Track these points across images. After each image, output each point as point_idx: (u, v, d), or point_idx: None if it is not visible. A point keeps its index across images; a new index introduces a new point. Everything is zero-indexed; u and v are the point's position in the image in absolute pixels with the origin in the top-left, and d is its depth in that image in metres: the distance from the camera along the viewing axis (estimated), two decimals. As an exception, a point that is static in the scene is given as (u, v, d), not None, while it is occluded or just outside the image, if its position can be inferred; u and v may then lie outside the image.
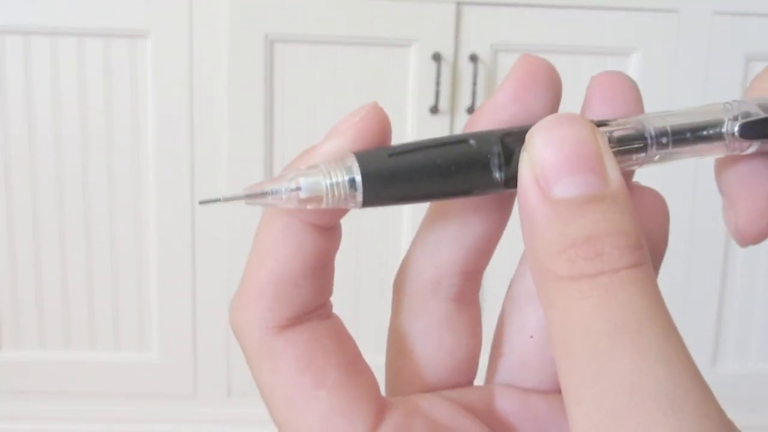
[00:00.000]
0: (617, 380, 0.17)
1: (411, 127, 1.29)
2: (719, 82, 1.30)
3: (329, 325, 0.21)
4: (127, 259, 1.33)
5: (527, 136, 0.19)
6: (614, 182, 0.19)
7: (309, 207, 0.20)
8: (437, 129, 1.27)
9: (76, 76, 1.26)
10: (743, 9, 1.29)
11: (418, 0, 1.26)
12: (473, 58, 1.27)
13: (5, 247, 1.31)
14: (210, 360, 1.37)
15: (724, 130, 0.21)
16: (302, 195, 0.19)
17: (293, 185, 0.19)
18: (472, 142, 0.20)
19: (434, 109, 1.28)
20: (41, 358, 1.36)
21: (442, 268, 0.23)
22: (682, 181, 1.30)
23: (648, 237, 0.19)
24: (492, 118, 0.21)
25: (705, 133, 0.21)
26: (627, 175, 0.22)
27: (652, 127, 0.21)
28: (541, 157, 0.19)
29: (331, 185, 0.19)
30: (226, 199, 0.20)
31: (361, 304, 1.32)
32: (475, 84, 1.27)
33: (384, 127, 0.20)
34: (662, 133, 0.21)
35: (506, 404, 0.23)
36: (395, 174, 0.19)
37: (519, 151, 0.20)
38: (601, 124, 0.20)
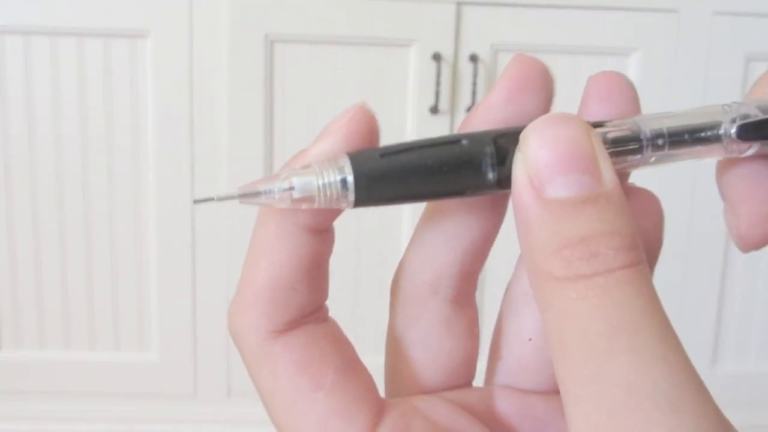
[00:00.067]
0: (615, 380, 0.17)
1: (411, 127, 1.29)
2: (719, 83, 1.30)
3: (326, 329, 0.22)
4: (127, 259, 1.33)
5: (521, 137, 0.19)
6: (608, 182, 0.19)
7: (302, 207, 0.20)
8: (437, 129, 1.27)
9: (76, 76, 1.26)
10: (743, 9, 1.29)
11: (418, 0, 1.26)
12: (473, 58, 1.27)
13: (5, 247, 1.31)
14: (210, 360, 1.37)
15: (722, 131, 0.21)
16: (295, 194, 0.20)
17: (286, 185, 0.20)
18: (464, 142, 0.20)
19: (434, 109, 1.28)
20: (41, 358, 1.36)
21: (440, 269, 0.23)
22: (681, 182, 1.31)
23: (643, 237, 0.19)
24: (486, 118, 0.21)
25: (702, 134, 0.21)
26: (622, 177, 0.22)
27: (647, 128, 0.21)
28: (534, 158, 0.19)
29: (324, 185, 0.19)
30: (220, 199, 0.20)
31: (361, 305, 1.32)
32: (475, 84, 1.27)
33: (372, 128, 0.21)
34: (658, 135, 0.21)
35: (505, 405, 0.23)
36: (387, 174, 0.20)
37: (513, 152, 0.20)
38: (597, 125, 0.20)
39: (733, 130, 0.21)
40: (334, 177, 0.19)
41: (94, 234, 1.32)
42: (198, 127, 1.29)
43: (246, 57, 1.26)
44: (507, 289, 0.24)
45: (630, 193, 0.19)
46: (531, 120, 0.19)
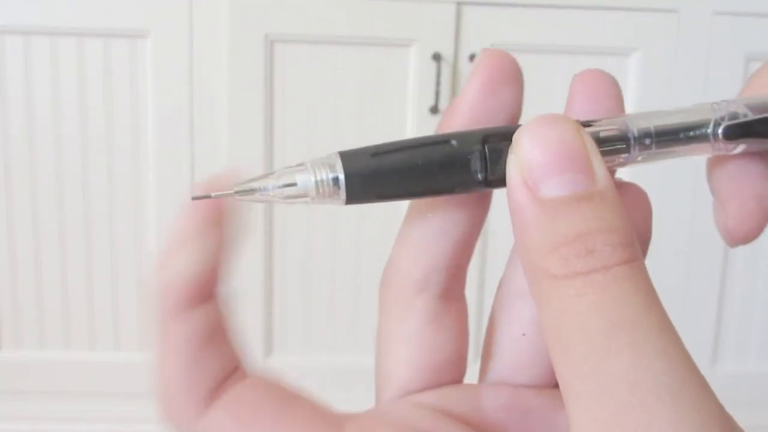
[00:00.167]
0: (616, 376, 0.17)
1: (411, 127, 1.29)
2: (719, 82, 1.30)
3: (251, 382, 0.21)
4: (127, 259, 1.33)
5: (514, 138, 0.20)
6: (602, 180, 0.19)
7: (296, 203, 0.20)
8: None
9: (76, 76, 1.26)
10: (743, 9, 1.29)
11: (418, 0, 1.26)
12: (473, 58, 1.27)
13: (5, 247, 1.31)
14: (210, 360, 1.37)
15: (709, 131, 0.21)
16: (289, 192, 0.20)
17: (280, 182, 0.20)
18: (453, 142, 0.21)
19: (434, 109, 1.28)
20: (41, 358, 1.36)
21: (428, 265, 0.23)
22: (682, 181, 1.30)
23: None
24: (469, 115, 0.22)
25: (690, 134, 0.21)
26: (610, 174, 0.22)
27: (635, 127, 0.21)
28: (528, 158, 0.19)
29: (316, 183, 0.20)
30: (217, 195, 0.20)
31: (361, 305, 1.32)
32: (475, 84, 1.27)
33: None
34: (646, 134, 0.21)
35: (493, 400, 0.23)
36: (377, 173, 0.20)
37: (502, 151, 0.20)
38: (586, 124, 0.21)
39: (720, 131, 0.21)
40: (327, 175, 0.20)
41: (94, 234, 1.32)
42: (198, 127, 1.29)
43: (246, 57, 1.26)
44: (499, 287, 0.24)
45: (618, 188, 0.19)
46: (511, 112, 0.20)
